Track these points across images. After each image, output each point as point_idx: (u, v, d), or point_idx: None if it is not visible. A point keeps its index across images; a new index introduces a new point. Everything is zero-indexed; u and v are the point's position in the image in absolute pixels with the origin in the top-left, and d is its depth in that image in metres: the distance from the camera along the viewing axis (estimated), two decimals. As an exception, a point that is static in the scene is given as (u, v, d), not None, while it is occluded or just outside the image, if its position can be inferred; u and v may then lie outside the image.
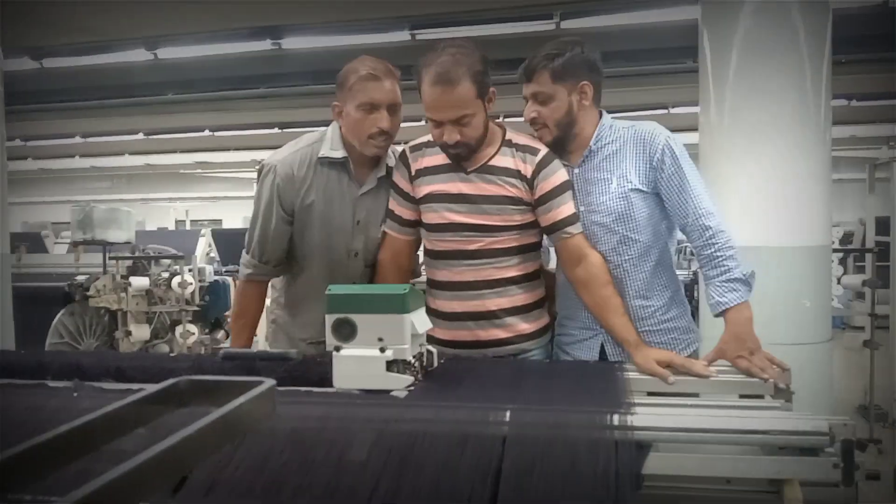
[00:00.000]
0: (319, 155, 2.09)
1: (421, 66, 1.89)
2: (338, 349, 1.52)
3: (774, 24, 3.48)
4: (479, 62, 1.89)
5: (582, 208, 2.05)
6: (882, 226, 5.89)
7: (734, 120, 3.53)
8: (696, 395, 1.73)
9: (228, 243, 10.06)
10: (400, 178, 2.08)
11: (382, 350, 1.50)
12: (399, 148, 2.17)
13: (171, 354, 2.31)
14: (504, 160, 1.99)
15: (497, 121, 2.07)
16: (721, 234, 1.90)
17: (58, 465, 0.54)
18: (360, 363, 1.50)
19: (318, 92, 7.54)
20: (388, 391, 1.49)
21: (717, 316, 1.88)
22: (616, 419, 1.28)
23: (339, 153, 2.09)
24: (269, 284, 2.30)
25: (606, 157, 2.05)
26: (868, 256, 6.26)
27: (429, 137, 2.06)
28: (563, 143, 2.05)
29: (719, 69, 3.58)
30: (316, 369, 1.66)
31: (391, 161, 2.15)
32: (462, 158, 1.97)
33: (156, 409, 0.65)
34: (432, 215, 2.02)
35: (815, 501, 1.27)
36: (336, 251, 2.13)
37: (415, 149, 2.08)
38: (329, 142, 2.11)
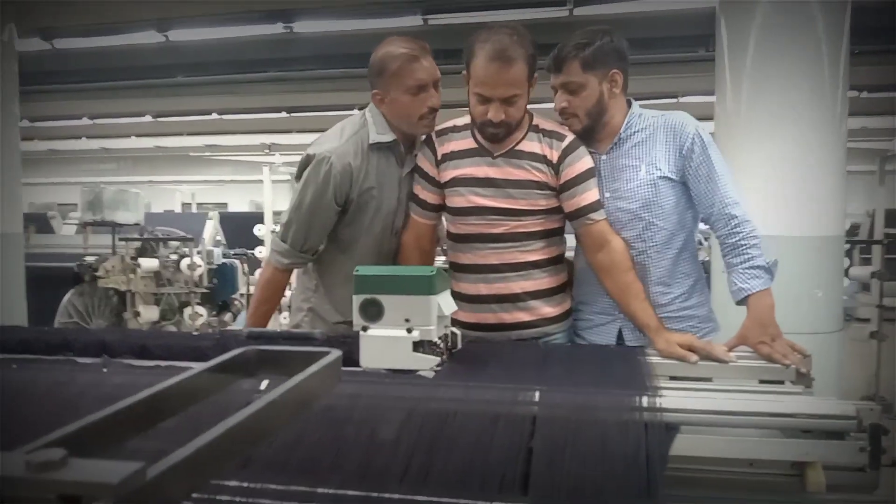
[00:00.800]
0: (371, 141, 2.10)
1: (474, 42, 1.91)
2: (365, 329, 1.53)
3: (792, 13, 3.46)
4: (531, 45, 1.92)
5: (608, 194, 2.06)
6: (891, 218, 5.90)
7: (750, 109, 3.52)
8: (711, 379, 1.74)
9: (234, 227, 10.10)
10: (425, 162, 2.10)
11: (409, 331, 1.51)
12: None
13: (195, 333, 2.30)
14: (531, 145, 2.00)
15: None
16: (746, 224, 1.93)
17: (139, 429, 0.56)
18: (387, 343, 1.51)
19: (328, 76, 7.54)
20: (414, 371, 1.51)
21: (739, 303, 1.89)
22: (645, 401, 1.29)
23: (389, 136, 2.10)
24: (302, 272, 2.29)
25: (636, 145, 2.06)
26: (874, 248, 6.27)
27: (455, 122, 2.08)
28: (593, 132, 2.06)
29: (736, 58, 3.57)
30: (341, 349, 1.68)
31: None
32: (499, 139, 1.98)
33: (224, 377, 0.66)
34: (458, 199, 2.03)
35: (836, 486, 1.29)
36: (384, 231, 2.16)
37: (441, 133, 2.09)
38: (375, 126, 2.11)
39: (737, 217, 1.93)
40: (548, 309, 2.05)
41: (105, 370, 1.60)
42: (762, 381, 1.72)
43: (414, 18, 5.94)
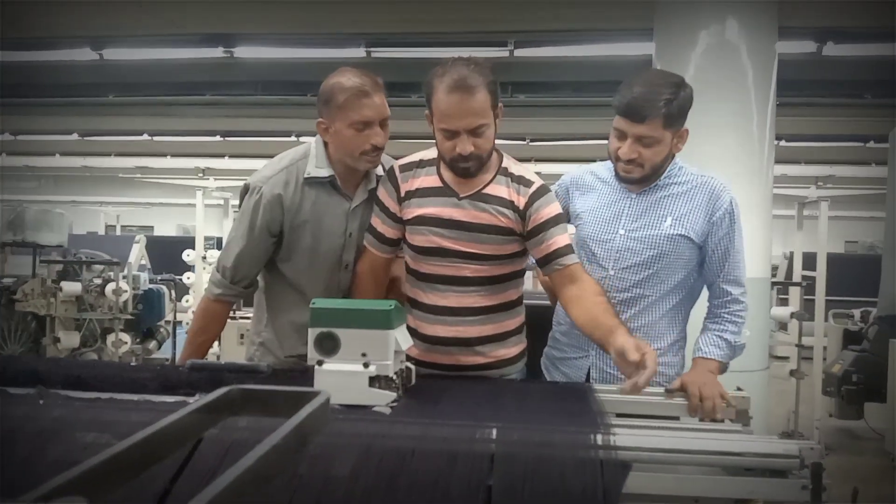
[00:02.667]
0: (305, 175, 2.04)
1: (433, 77, 1.85)
2: (320, 363, 1.51)
3: (724, 64, 3.65)
4: (491, 73, 1.87)
5: (622, 231, 2.05)
6: (808, 261, 6.21)
7: (684, 155, 3.65)
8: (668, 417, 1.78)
9: (161, 251, 9.83)
10: (387, 197, 2.03)
11: (366, 365, 1.50)
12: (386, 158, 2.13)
13: (133, 364, 2.21)
14: (499, 189, 1.95)
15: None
16: (737, 303, 2.03)
17: (135, 473, 0.54)
18: (343, 378, 1.49)
19: (266, 102, 7.48)
20: (369, 407, 1.50)
21: (693, 359, 2.00)
22: (600, 439, 1.31)
23: (325, 171, 2.05)
24: (255, 305, 2.25)
25: (668, 196, 2.04)
26: (792, 289, 6.57)
27: (420, 156, 2.03)
28: (647, 178, 2.03)
29: (670, 105, 3.71)
30: (288, 384, 1.64)
31: (380, 170, 2.11)
32: (471, 174, 1.92)
33: (210, 417, 0.65)
34: (421, 238, 1.97)
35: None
36: (331, 267, 2.10)
37: (405, 168, 2.02)
38: (314, 159, 2.06)
39: (731, 294, 2.02)
40: (504, 351, 2.03)
41: (41, 402, 1.52)
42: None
43: (357, 50, 5.98)
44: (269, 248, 2.08)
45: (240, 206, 2.14)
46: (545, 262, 1.97)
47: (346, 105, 1.95)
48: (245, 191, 2.10)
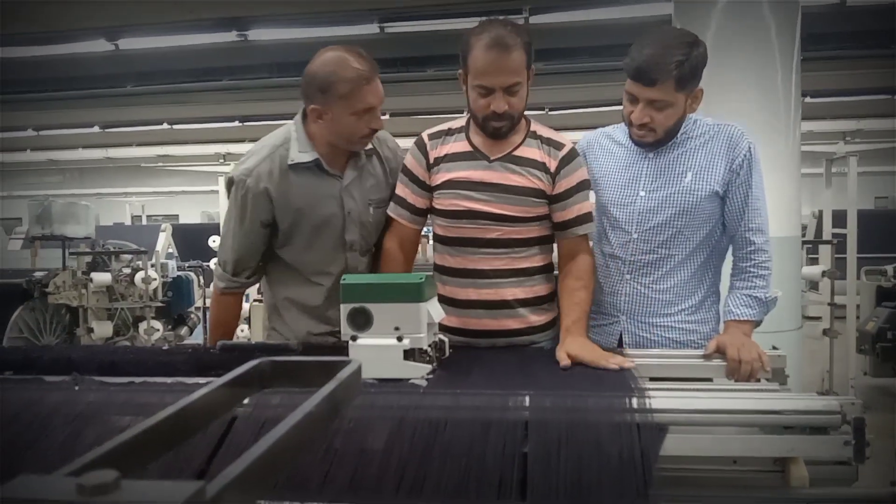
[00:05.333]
0: (289, 162, 1.99)
1: (469, 37, 1.86)
2: (354, 339, 1.51)
3: (746, 20, 3.56)
4: (527, 34, 1.88)
5: (642, 193, 2.01)
6: (838, 219, 6.09)
7: (707, 113, 3.59)
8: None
9: (187, 239, 9.92)
10: (416, 166, 2.03)
11: (399, 339, 1.49)
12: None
13: (165, 347, 2.23)
14: (530, 151, 1.96)
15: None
16: (761, 253, 1.97)
17: (167, 447, 0.54)
18: (377, 352, 1.49)
19: (283, 84, 7.46)
20: (405, 380, 1.49)
21: (725, 322, 1.96)
22: (635, 402, 1.30)
23: (309, 156, 1.99)
24: (263, 294, 2.26)
25: (686, 151, 2.00)
26: (822, 248, 6.47)
27: (449, 125, 2.04)
28: (661, 141, 1.99)
29: (693, 64, 3.64)
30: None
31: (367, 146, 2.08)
32: (502, 134, 1.93)
33: (241, 391, 0.64)
34: (450, 201, 1.97)
35: (817, 479, 1.32)
36: (333, 249, 2.06)
37: (434, 136, 2.03)
38: (296, 144, 2.00)
39: (755, 244, 1.96)
40: (535, 317, 2.02)
41: (77, 388, 1.54)
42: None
43: (371, 26, 5.93)
44: (265, 237, 2.05)
45: (228, 197, 2.09)
46: (561, 227, 1.99)
47: (351, 95, 1.90)
48: (230, 184, 2.05)
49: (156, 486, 0.37)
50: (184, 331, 7.41)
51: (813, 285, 7.26)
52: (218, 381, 0.63)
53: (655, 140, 1.97)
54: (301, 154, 1.99)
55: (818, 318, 5.99)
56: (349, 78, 1.90)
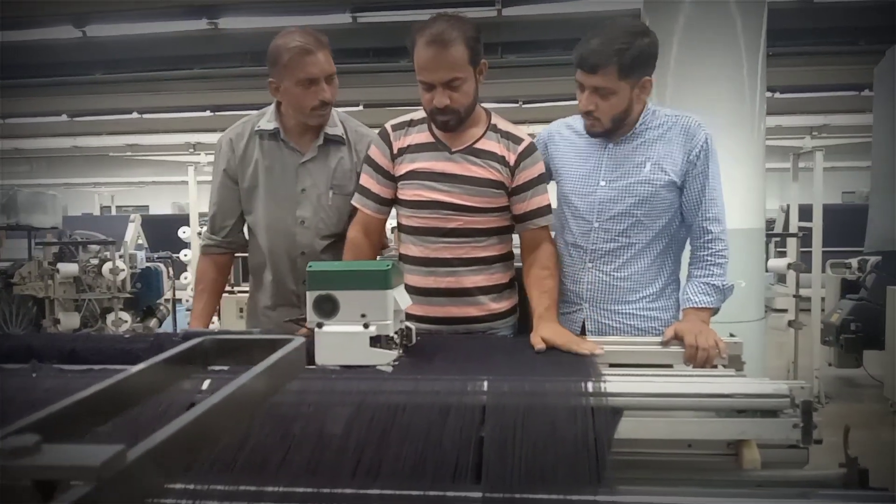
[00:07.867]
0: (256, 127, 2.17)
1: (414, 32, 1.90)
2: (320, 325, 1.51)
3: (713, 15, 3.60)
4: (472, 29, 1.90)
5: (603, 183, 2.04)
6: (805, 213, 6.19)
7: (675, 106, 3.63)
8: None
9: (158, 230, 9.81)
10: (379, 155, 2.06)
11: (366, 326, 1.49)
12: (340, 110, 2.23)
13: (126, 335, 2.22)
14: (490, 144, 2.00)
15: (482, 105, 2.06)
16: (718, 242, 2.01)
17: (102, 420, 0.54)
18: (343, 339, 1.49)
19: (253, 73, 7.39)
20: (372, 367, 1.50)
21: (683, 309, 1.99)
22: (590, 386, 1.31)
23: (271, 125, 2.15)
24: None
25: (645, 142, 2.03)
26: (789, 241, 6.57)
27: (411, 116, 2.06)
28: (610, 131, 2.03)
29: (660, 58, 3.63)
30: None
31: (335, 128, 2.18)
32: (450, 128, 1.97)
33: (182, 369, 0.64)
34: (413, 192, 2.02)
35: (769, 462, 1.35)
36: (283, 220, 2.18)
37: (398, 127, 2.07)
38: (267, 115, 2.18)
39: (712, 233, 2.01)
40: (495, 305, 2.06)
41: (34, 375, 1.53)
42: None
43: (343, 16, 5.90)
44: (237, 196, 2.22)
45: None
46: (521, 219, 2.03)
47: (291, 64, 2.03)
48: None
49: (77, 450, 0.38)
50: (153, 322, 7.33)
51: (780, 278, 7.38)
52: (157, 358, 0.63)
53: (604, 130, 2.01)
54: (267, 123, 2.17)
55: (785, 311, 6.08)
56: (290, 47, 2.03)
